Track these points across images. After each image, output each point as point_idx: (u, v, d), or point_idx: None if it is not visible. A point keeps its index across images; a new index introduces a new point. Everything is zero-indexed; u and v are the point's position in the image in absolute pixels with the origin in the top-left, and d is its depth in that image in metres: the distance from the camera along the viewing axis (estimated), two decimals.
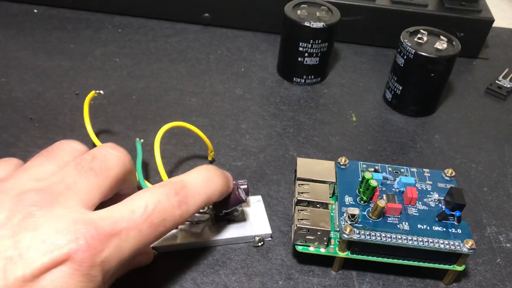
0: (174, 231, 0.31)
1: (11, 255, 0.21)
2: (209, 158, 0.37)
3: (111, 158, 0.26)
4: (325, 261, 0.31)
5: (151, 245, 0.30)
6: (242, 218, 0.32)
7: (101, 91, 0.36)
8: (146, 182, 0.31)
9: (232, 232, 0.31)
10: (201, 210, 0.31)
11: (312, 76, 0.45)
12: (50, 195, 0.23)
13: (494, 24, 0.49)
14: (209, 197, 0.27)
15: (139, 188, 0.30)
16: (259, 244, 0.32)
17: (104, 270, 0.22)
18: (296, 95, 0.44)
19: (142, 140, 0.33)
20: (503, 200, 0.37)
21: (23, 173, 0.25)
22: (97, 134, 0.38)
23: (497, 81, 0.48)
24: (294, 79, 0.45)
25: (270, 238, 0.32)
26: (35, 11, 0.51)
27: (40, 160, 0.26)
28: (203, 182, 0.27)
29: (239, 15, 0.51)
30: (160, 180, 0.31)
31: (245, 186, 0.30)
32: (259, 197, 0.34)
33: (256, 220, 0.32)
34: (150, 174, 0.36)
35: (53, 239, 0.21)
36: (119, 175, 0.26)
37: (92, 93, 0.35)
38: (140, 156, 0.32)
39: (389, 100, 0.44)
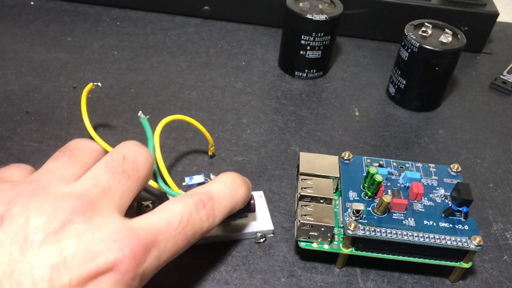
0: None
1: (57, 261, 0.20)
2: (210, 153, 0.36)
3: (140, 158, 0.25)
4: (329, 258, 0.30)
5: None
6: (244, 214, 0.31)
7: (99, 83, 0.35)
8: (160, 160, 0.30)
9: (233, 228, 0.31)
10: None
11: (314, 70, 0.44)
12: (87, 201, 0.22)
13: (498, 19, 0.49)
14: (233, 208, 0.27)
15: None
16: (261, 240, 0.31)
17: (143, 280, 0.22)
18: (297, 89, 0.44)
19: (148, 116, 0.31)
20: (509, 197, 0.36)
21: (50, 175, 0.24)
22: (95, 128, 0.37)
23: (501, 76, 0.47)
24: (296, 73, 0.44)
25: (272, 235, 0.31)
26: (32, 3, 0.50)
27: (64, 161, 0.25)
28: (227, 194, 0.27)
29: (240, 8, 0.50)
30: (160, 173, 0.30)
31: (253, 201, 0.30)
32: (260, 193, 0.33)
33: (258, 216, 0.32)
34: None
35: (98, 248, 0.21)
36: (147, 177, 0.26)
37: (89, 85, 0.34)
38: (150, 134, 0.30)
39: (393, 94, 0.43)
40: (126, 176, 0.24)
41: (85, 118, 0.34)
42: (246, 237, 0.31)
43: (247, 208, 0.30)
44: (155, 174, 0.29)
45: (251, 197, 0.30)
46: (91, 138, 0.34)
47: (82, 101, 0.34)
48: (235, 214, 0.29)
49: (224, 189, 0.27)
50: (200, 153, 0.37)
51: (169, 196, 0.30)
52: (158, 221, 0.23)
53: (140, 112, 0.31)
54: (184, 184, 0.30)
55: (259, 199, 0.33)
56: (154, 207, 0.30)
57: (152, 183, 0.31)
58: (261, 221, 0.31)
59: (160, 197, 0.33)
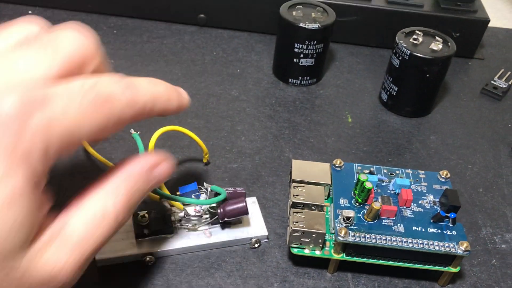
0: (172, 235, 0.31)
1: None
2: (204, 161, 0.37)
3: (64, 34, 0.22)
4: (321, 263, 0.31)
5: (145, 251, 0.30)
6: (238, 220, 0.32)
7: None
8: None
9: (228, 235, 0.31)
10: (197, 214, 0.31)
11: (308, 77, 0.45)
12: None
13: (490, 24, 0.49)
14: (155, 96, 0.24)
15: None
16: (256, 245, 0.32)
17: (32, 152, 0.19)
18: (291, 96, 0.44)
19: (139, 132, 0.32)
20: (498, 201, 0.37)
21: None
22: None
23: (492, 81, 0.48)
24: (290, 80, 0.45)
25: (266, 240, 0.32)
26: (30, 12, 0.51)
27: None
28: (147, 81, 0.24)
29: (235, 16, 0.51)
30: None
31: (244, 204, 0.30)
32: (254, 199, 0.34)
33: (252, 222, 0.32)
34: None
35: None
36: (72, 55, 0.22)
37: None
38: (143, 149, 0.31)
39: (385, 101, 0.44)
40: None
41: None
42: (240, 243, 0.32)
43: (241, 211, 0.30)
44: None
45: (243, 200, 0.30)
46: (88, 153, 0.35)
47: None
48: (231, 217, 0.30)
49: (142, 79, 0.24)
50: (195, 161, 0.37)
51: (164, 202, 0.31)
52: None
53: (131, 129, 0.32)
54: (178, 193, 0.31)
55: (253, 205, 0.34)
56: (150, 217, 0.31)
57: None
58: (255, 227, 0.32)
59: (155, 206, 0.33)
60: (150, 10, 0.51)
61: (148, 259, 0.30)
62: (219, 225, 0.32)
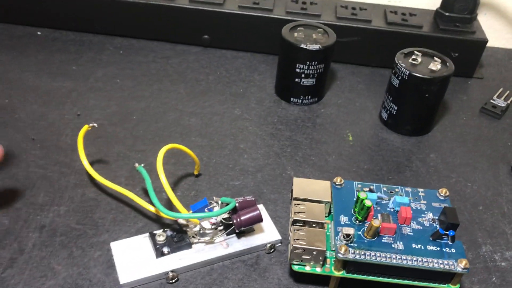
0: (190, 250, 0.32)
1: None
2: (195, 172, 0.37)
3: None
4: (321, 280, 0.31)
5: (168, 269, 0.30)
6: (250, 228, 0.33)
7: (95, 124, 0.36)
8: (169, 189, 0.31)
9: (244, 243, 0.32)
10: (212, 227, 0.32)
11: (309, 96, 0.46)
12: None
13: (488, 44, 0.50)
14: None
15: (156, 208, 0.31)
16: (271, 251, 0.33)
17: None
18: (293, 115, 0.45)
19: (143, 165, 0.34)
20: (498, 219, 0.37)
21: None
22: (98, 154, 0.39)
23: (491, 100, 0.48)
24: (292, 99, 0.46)
25: (280, 244, 0.33)
26: (39, 33, 0.53)
27: None
28: None
29: (238, 37, 0.52)
30: (168, 200, 0.31)
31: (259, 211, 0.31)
32: (261, 206, 0.35)
33: (264, 228, 0.33)
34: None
35: None
36: None
37: (85, 128, 0.36)
38: (148, 180, 0.32)
39: (385, 119, 0.44)
40: None
41: (83, 160, 0.35)
42: (256, 250, 0.32)
43: (256, 219, 0.31)
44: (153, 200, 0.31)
45: (257, 208, 0.31)
46: (90, 176, 0.36)
47: (78, 144, 0.35)
48: (247, 226, 0.31)
49: None
50: (198, 178, 0.38)
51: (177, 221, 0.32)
52: None
53: (136, 163, 0.34)
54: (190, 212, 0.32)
55: (262, 211, 0.34)
56: (166, 236, 0.31)
57: (152, 208, 0.33)
58: (268, 232, 0.33)
59: (170, 225, 0.34)
60: (155, 31, 0.53)
61: (171, 276, 0.30)
62: (234, 235, 0.33)
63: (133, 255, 0.31)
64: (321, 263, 0.30)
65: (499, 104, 0.48)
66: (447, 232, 0.30)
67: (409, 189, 0.34)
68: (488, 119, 0.47)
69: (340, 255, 0.29)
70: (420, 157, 0.42)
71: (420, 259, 0.29)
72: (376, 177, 0.40)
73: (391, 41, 0.50)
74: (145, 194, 0.36)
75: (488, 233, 0.36)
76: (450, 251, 0.30)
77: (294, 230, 0.30)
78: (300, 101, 0.46)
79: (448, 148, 0.43)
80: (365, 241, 0.30)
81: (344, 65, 0.52)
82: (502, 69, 0.54)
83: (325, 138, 0.43)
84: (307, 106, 0.46)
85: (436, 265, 0.29)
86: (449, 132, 0.45)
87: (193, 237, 0.32)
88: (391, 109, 0.43)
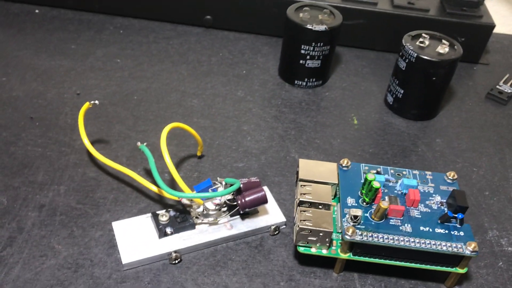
0: (194, 231, 0.31)
1: None
2: (198, 154, 0.37)
3: None
4: (327, 263, 0.30)
5: (170, 250, 0.30)
6: (254, 210, 0.32)
7: (96, 101, 0.35)
8: (172, 169, 0.31)
9: (248, 225, 0.32)
10: (216, 208, 0.31)
11: (314, 79, 0.45)
12: None
13: (495, 30, 0.49)
14: None
15: (159, 188, 0.30)
16: (276, 233, 0.32)
17: None
18: (297, 98, 0.44)
19: (145, 143, 0.33)
20: (504, 204, 0.36)
21: None
22: (98, 134, 0.38)
23: (497, 86, 0.48)
24: (296, 81, 0.45)
25: (284, 226, 0.32)
26: (37, 11, 0.51)
27: None
28: None
29: (241, 18, 0.51)
30: (172, 179, 0.31)
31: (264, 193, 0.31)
32: (265, 188, 0.34)
33: (268, 210, 0.33)
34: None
35: None
36: None
37: (86, 105, 0.35)
38: (151, 159, 0.31)
39: (391, 103, 0.44)
40: None
41: (83, 138, 0.34)
42: (260, 232, 0.32)
43: (261, 200, 0.30)
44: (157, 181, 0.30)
45: (262, 189, 0.31)
46: (91, 154, 0.35)
47: (79, 121, 0.34)
48: (251, 208, 0.30)
49: None
50: (201, 159, 0.37)
51: (181, 201, 0.31)
52: None
53: (138, 142, 0.33)
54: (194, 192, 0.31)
55: (266, 193, 0.34)
56: (169, 216, 0.31)
57: (155, 188, 0.32)
58: (273, 214, 0.33)
59: (173, 206, 0.33)
60: (156, 11, 0.51)
61: (174, 256, 0.30)
62: (238, 217, 0.32)
63: (135, 235, 0.30)
64: (327, 245, 0.29)
65: (506, 90, 0.47)
66: (456, 215, 0.30)
67: (416, 172, 0.33)
68: (494, 105, 0.47)
69: (347, 237, 0.28)
70: (425, 142, 0.41)
71: (428, 242, 0.28)
72: (382, 160, 0.39)
73: (397, 25, 0.49)
74: (147, 175, 0.35)
75: (495, 218, 0.35)
76: (458, 234, 0.29)
77: (301, 211, 0.30)
78: (304, 83, 0.45)
79: (454, 133, 0.43)
80: (373, 223, 0.29)
81: (348, 48, 0.51)
82: (508, 55, 0.54)
83: (329, 122, 0.42)
84: (311, 89, 0.46)
85: (444, 248, 0.28)
86: (455, 117, 0.44)
87: (197, 217, 0.31)
88: (397, 92, 0.43)
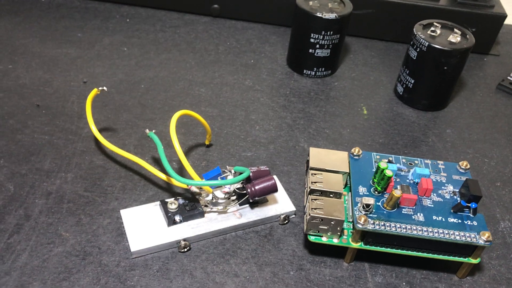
0: (203, 220, 0.31)
1: None
2: (207, 142, 0.36)
3: None
4: (337, 252, 0.30)
5: (179, 238, 0.29)
6: (264, 199, 0.32)
7: (104, 87, 0.35)
8: (182, 156, 0.30)
9: (257, 214, 0.31)
10: (225, 196, 0.31)
11: (323, 69, 0.44)
12: None
13: (506, 22, 0.49)
14: None
15: (167, 176, 0.30)
16: (285, 222, 0.32)
17: None
18: (306, 87, 0.44)
19: (154, 131, 0.32)
20: None
21: None
22: (106, 122, 0.38)
23: (508, 77, 0.47)
24: (304, 71, 0.45)
25: (294, 215, 0.32)
26: None
27: None
28: None
29: (249, 7, 0.50)
30: (181, 166, 0.30)
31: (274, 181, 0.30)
32: (274, 177, 0.34)
33: (278, 199, 0.32)
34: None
35: None
36: None
37: (94, 91, 0.34)
38: (160, 146, 0.31)
39: (401, 93, 0.43)
40: None
41: (91, 124, 0.34)
42: (269, 221, 0.32)
43: (271, 188, 0.30)
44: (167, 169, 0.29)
45: (272, 178, 0.30)
46: (98, 141, 0.34)
47: (87, 108, 0.34)
48: (261, 196, 0.30)
49: None
50: (209, 148, 0.37)
51: (190, 188, 0.31)
52: None
53: (146, 129, 0.32)
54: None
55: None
56: (178, 204, 0.30)
57: (163, 176, 0.32)
58: (282, 203, 0.32)
59: (182, 194, 0.33)
60: (163, 0, 0.51)
61: (183, 244, 0.29)
62: (247, 205, 0.32)
63: (144, 223, 0.30)
64: (339, 234, 0.29)
65: None
66: (469, 204, 0.29)
67: (428, 161, 0.33)
68: (505, 96, 0.46)
69: (359, 226, 0.28)
70: (436, 132, 0.41)
71: (441, 231, 0.28)
72: (392, 150, 0.38)
73: (407, 14, 0.48)
74: (155, 163, 0.35)
75: (507, 209, 0.35)
76: (471, 223, 0.29)
77: (312, 199, 0.29)
78: (313, 73, 0.44)
79: (464, 124, 0.42)
80: (385, 212, 0.29)
81: (357, 38, 0.51)
82: None
83: (339, 111, 0.42)
84: (320, 79, 0.45)
85: (458, 237, 0.28)
86: (466, 108, 0.44)
87: (206, 206, 0.31)
88: (407, 82, 0.42)
